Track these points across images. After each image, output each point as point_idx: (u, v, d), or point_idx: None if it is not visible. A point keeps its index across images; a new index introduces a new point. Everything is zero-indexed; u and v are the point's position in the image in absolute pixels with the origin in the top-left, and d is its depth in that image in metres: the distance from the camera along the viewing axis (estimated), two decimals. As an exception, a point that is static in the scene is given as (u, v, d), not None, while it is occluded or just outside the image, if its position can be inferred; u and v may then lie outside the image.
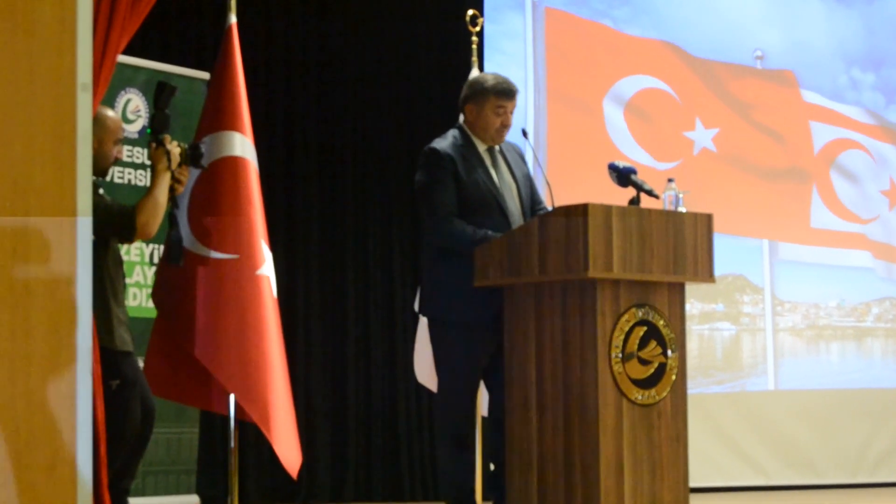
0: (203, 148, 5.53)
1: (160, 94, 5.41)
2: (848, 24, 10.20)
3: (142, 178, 6.98)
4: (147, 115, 6.97)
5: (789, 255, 9.83)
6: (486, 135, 5.76)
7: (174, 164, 5.36)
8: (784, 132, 9.90)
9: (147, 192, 5.33)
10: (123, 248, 5.82)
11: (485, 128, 5.75)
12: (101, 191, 5.33)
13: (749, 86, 9.86)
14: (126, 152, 7.01)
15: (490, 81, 5.82)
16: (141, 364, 6.53)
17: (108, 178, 6.69)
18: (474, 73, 6.84)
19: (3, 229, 2.52)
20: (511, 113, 5.78)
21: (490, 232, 5.53)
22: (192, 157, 5.49)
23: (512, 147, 5.96)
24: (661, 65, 9.61)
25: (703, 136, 9.64)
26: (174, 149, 5.36)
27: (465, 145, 5.74)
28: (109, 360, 5.03)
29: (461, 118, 5.86)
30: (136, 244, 6.95)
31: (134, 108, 7.08)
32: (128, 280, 5.99)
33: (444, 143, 5.74)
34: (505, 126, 5.77)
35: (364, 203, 8.86)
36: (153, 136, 5.37)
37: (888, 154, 10.18)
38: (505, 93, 5.76)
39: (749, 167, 9.72)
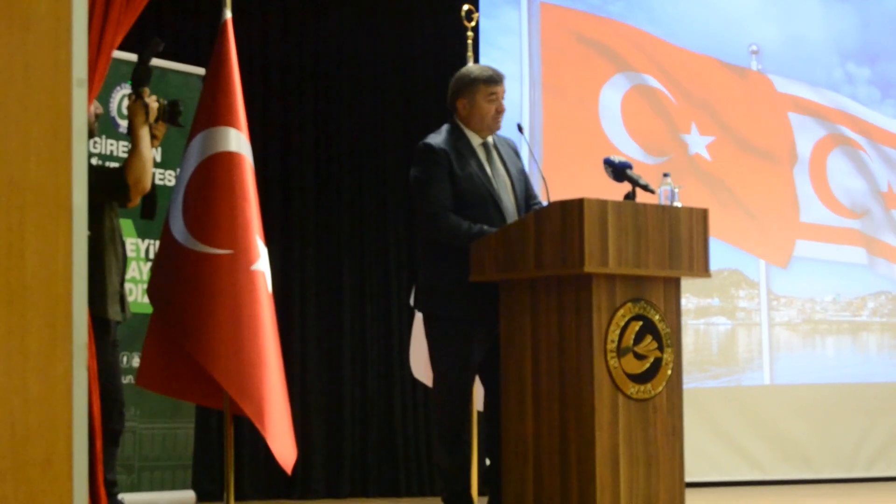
0: (181, 106, 5.54)
1: (145, 48, 5.41)
2: (843, 18, 10.21)
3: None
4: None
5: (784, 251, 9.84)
6: (483, 124, 5.77)
7: (152, 119, 5.37)
8: (777, 126, 9.90)
9: (131, 149, 5.34)
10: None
11: (481, 118, 5.76)
12: (92, 160, 5.34)
13: (745, 80, 9.86)
14: (122, 148, 7.01)
15: (476, 71, 5.87)
16: (136, 361, 6.55)
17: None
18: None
19: (-2, 225, 2.52)
20: (503, 97, 5.81)
21: (485, 227, 5.54)
22: (170, 113, 5.50)
23: (506, 142, 5.97)
24: (656, 60, 9.61)
25: (697, 142, 9.64)
26: (152, 103, 5.37)
27: (460, 140, 5.75)
28: (96, 328, 5.04)
29: (454, 115, 5.86)
30: (132, 239, 6.95)
31: (129, 103, 7.07)
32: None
33: (438, 138, 5.75)
34: (499, 112, 5.80)
35: (360, 198, 8.86)
36: (133, 88, 5.38)
37: (885, 152, 10.18)
38: (493, 79, 5.80)
39: (742, 163, 9.72)
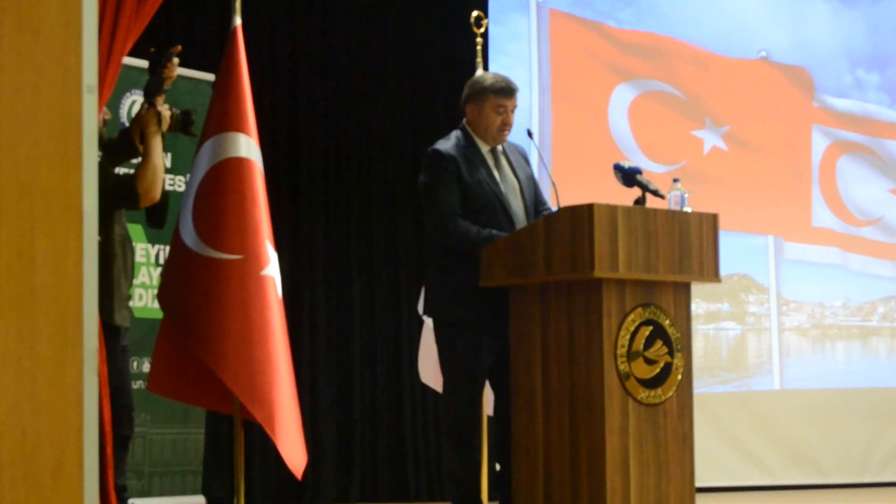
0: (194, 115, 5.53)
1: (158, 57, 5.38)
2: (852, 23, 10.20)
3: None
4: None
5: (794, 255, 9.83)
6: (488, 134, 5.77)
7: (165, 127, 5.35)
8: (789, 132, 9.90)
9: (143, 157, 5.31)
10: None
11: (486, 127, 5.76)
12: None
13: (754, 85, 9.86)
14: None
15: (489, 80, 5.84)
16: (147, 366, 6.56)
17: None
18: (478, 73, 6.84)
19: (8, 231, 2.53)
20: (512, 112, 5.78)
21: (494, 231, 5.54)
22: (182, 123, 5.48)
23: (515, 148, 5.96)
24: (665, 65, 9.61)
25: (712, 135, 9.64)
26: (165, 111, 5.36)
27: (468, 146, 5.75)
28: (106, 334, 5.03)
29: (464, 119, 5.86)
30: (142, 245, 6.96)
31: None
32: (134, 281, 5.99)
33: (447, 144, 5.75)
34: (506, 125, 5.77)
35: (369, 204, 8.86)
36: (146, 97, 5.36)
37: (895, 152, 10.18)
38: (504, 91, 5.77)
39: (754, 166, 9.72)
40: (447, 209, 5.60)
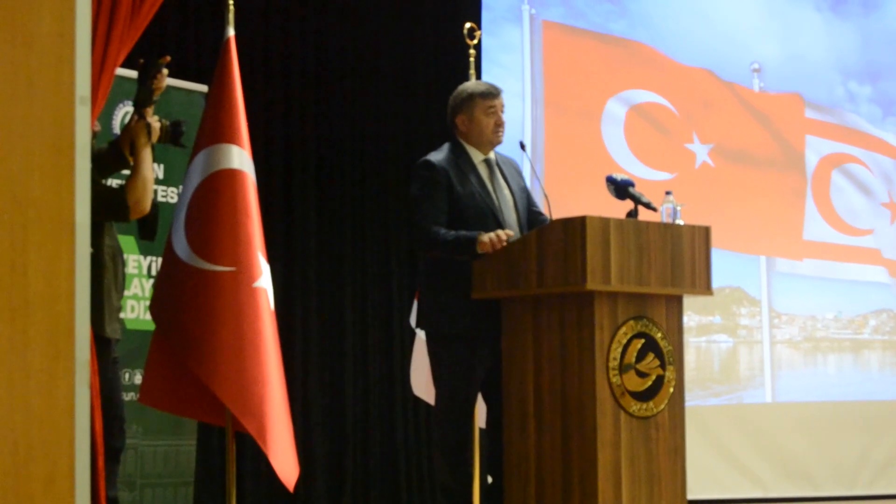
0: (184, 127, 5.52)
1: (147, 68, 5.37)
2: (845, 36, 10.22)
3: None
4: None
5: (786, 268, 9.84)
6: (484, 138, 5.78)
7: (154, 139, 5.34)
8: (780, 145, 9.91)
9: (133, 169, 5.29)
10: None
11: (481, 132, 5.77)
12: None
13: (745, 98, 9.87)
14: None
15: (471, 87, 5.89)
16: (139, 378, 6.55)
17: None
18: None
19: (0, 243, 2.52)
20: (501, 111, 5.81)
21: (463, 232, 5.51)
22: (172, 134, 5.47)
23: (508, 160, 5.97)
24: (658, 77, 9.62)
25: (700, 150, 9.65)
26: (155, 122, 5.35)
27: (460, 157, 5.76)
28: (97, 346, 5.02)
29: (455, 132, 5.86)
30: (134, 256, 6.95)
31: (132, 120, 7.06)
32: (126, 293, 5.98)
33: (438, 155, 5.76)
34: (499, 125, 5.80)
35: (362, 216, 8.86)
36: (136, 108, 5.35)
37: (887, 166, 10.20)
38: (490, 93, 5.81)
39: (745, 180, 9.73)
40: (425, 219, 5.59)
